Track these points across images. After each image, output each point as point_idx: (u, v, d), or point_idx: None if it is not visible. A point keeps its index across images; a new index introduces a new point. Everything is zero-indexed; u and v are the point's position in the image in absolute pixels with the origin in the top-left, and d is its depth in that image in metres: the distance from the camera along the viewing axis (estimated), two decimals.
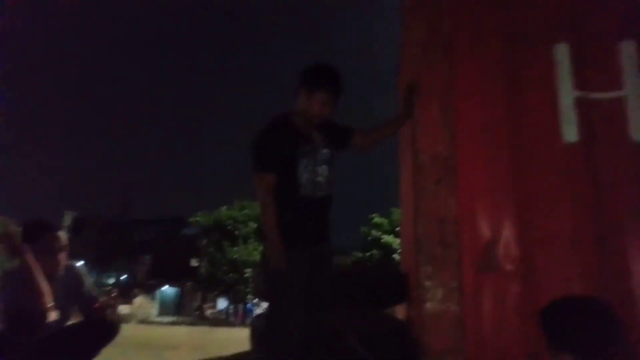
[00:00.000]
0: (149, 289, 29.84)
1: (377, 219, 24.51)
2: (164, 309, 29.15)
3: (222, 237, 25.38)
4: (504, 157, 2.08)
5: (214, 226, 25.83)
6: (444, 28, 2.24)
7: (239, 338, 3.60)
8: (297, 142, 2.22)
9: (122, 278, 31.85)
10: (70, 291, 2.54)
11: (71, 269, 2.59)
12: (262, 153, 2.21)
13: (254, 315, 19.36)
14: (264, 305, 6.67)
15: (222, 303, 28.76)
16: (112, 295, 2.60)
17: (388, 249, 22.76)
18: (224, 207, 26.36)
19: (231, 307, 27.64)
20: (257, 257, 22.92)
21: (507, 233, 2.01)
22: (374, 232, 24.06)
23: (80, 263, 2.65)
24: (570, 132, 2.06)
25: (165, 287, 31.49)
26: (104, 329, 2.52)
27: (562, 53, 2.12)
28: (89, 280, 2.65)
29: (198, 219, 26.56)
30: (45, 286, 2.29)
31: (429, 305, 1.98)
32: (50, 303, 2.30)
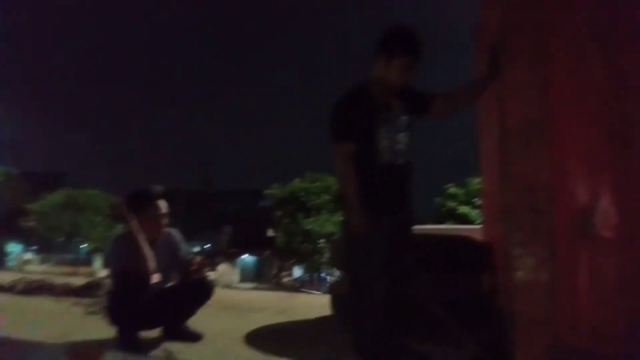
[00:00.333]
0: (231, 257, 31.66)
1: (452, 190, 23.80)
2: (245, 276, 30.87)
3: (296, 208, 26.05)
4: (601, 121, 1.91)
5: (288, 198, 26.55)
6: None
7: (319, 303, 3.72)
8: (375, 110, 2.21)
9: (205, 247, 34.07)
10: (170, 255, 2.77)
11: (170, 235, 2.82)
12: (340, 123, 2.22)
13: (329, 282, 19.91)
14: (339, 274, 6.81)
15: (297, 271, 29.83)
16: (203, 260, 2.81)
17: (464, 220, 22.09)
18: (297, 180, 26.94)
19: (306, 275, 28.56)
20: (330, 228, 23.33)
21: (606, 200, 1.87)
22: (449, 203, 23.42)
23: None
24: None
25: (245, 256, 33.31)
26: (201, 289, 2.74)
27: None
28: (185, 246, 2.87)
29: (273, 191, 27.42)
30: (148, 251, 2.52)
31: (518, 275, 1.91)
32: (153, 266, 2.54)
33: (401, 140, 2.23)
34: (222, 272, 25.07)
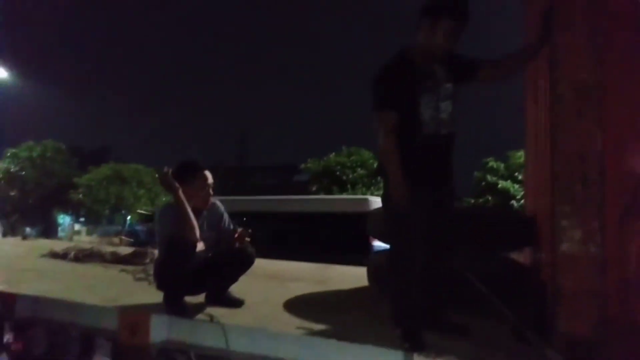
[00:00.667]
0: None
1: (492, 163, 23.12)
2: None
3: (332, 182, 26.08)
4: None
5: (323, 172, 26.59)
6: None
7: (356, 274, 3.74)
8: (418, 78, 2.15)
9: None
10: (213, 224, 2.86)
11: (214, 205, 2.90)
12: (381, 91, 2.18)
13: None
14: (376, 244, 6.81)
15: None
16: (245, 231, 2.87)
17: (505, 195, 21.51)
18: (333, 154, 26.89)
19: None
20: None
21: None
22: (489, 177, 22.82)
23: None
24: None
25: None
26: (243, 258, 2.82)
27: None
28: (227, 215, 2.94)
29: (309, 165, 27.52)
30: (194, 220, 2.60)
31: (565, 247, 1.85)
32: (198, 235, 2.62)
33: (445, 109, 2.17)
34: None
